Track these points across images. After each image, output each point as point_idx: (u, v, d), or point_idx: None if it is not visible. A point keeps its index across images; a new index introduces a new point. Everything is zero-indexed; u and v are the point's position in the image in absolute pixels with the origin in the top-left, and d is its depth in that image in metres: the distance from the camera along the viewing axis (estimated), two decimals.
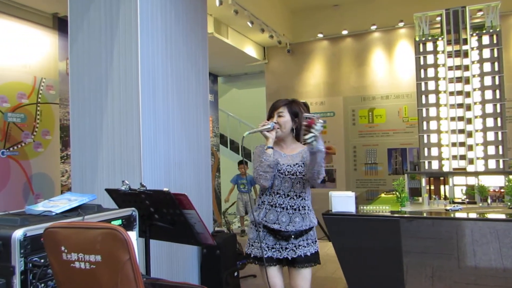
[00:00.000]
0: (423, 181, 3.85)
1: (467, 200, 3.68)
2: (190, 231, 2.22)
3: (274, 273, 2.58)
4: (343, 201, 3.28)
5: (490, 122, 3.74)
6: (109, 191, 2.33)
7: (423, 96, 3.96)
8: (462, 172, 3.78)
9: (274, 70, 7.89)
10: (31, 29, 5.03)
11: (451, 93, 3.86)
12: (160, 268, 3.32)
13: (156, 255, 3.22)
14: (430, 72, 3.96)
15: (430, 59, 3.98)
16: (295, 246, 2.53)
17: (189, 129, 3.80)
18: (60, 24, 5.29)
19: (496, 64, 3.76)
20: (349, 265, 3.40)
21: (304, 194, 2.58)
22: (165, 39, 3.51)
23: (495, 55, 3.76)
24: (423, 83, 3.97)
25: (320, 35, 7.35)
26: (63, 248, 1.35)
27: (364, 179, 7.16)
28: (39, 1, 4.91)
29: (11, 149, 4.70)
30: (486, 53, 3.80)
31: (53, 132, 5.23)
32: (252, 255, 2.62)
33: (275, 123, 2.59)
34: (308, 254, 2.54)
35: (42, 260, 1.57)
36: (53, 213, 1.84)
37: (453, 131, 3.83)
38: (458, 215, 3.20)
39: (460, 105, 3.83)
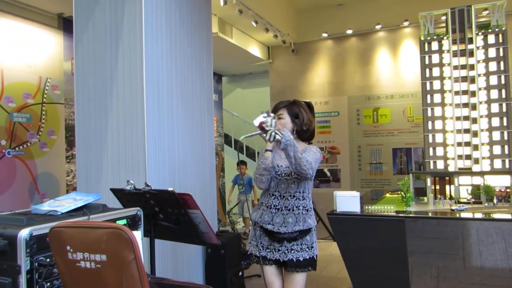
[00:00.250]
0: (428, 181, 3.84)
1: (473, 200, 3.66)
2: (195, 231, 2.22)
3: (271, 272, 2.59)
4: (348, 201, 3.28)
5: (495, 121, 3.72)
6: (114, 191, 2.33)
7: (428, 96, 3.95)
8: (467, 172, 3.76)
9: (278, 69, 7.88)
10: (37, 29, 5.05)
11: (457, 93, 3.85)
12: (165, 267, 3.33)
13: (161, 255, 3.23)
14: (435, 71, 3.95)
15: (435, 58, 3.96)
16: (287, 249, 2.52)
17: (194, 129, 3.80)
18: (65, 24, 5.31)
19: (501, 63, 3.74)
20: (354, 265, 3.39)
21: (298, 194, 2.56)
22: (169, 40, 3.51)
23: (501, 54, 3.74)
24: (428, 83, 3.96)
25: (325, 35, 7.34)
26: (68, 248, 1.36)
27: (369, 179, 7.14)
28: (44, 1, 4.93)
29: (16, 148, 4.72)
30: (492, 52, 3.78)
31: (58, 132, 5.25)
32: (248, 252, 2.67)
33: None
34: (301, 259, 2.51)
35: (48, 260, 1.58)
36: (59, 213, 1.85)
37: (459, 131, 3.81)
38: (464, 215, 3.18)
39: (465, 105, 3.82)
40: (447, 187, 3.82)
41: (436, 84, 3.93)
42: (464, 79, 3.84)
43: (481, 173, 3.69)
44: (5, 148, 4.60)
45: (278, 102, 2.71)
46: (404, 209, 3.43)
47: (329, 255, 5.70)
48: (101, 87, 3.37)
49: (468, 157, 3.79)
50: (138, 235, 2.03)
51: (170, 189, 2.11)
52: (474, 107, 3.79)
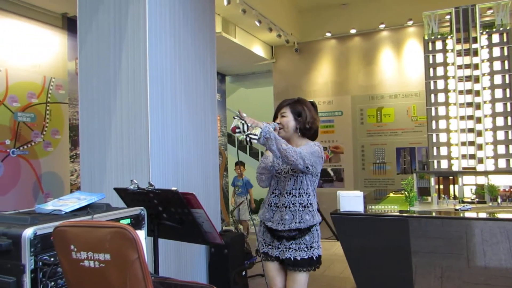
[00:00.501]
0: (432, 180, 3.83)
1: (477, 199, 3.65)
2: (198, 230, 2.23)
3: (272, 268, 2.60)
4: (351, 200, 3.27)
5: (500, 121, 3.71)
6: (118, 190, 2.34)
7: (432, 95, 3.94)
8: (471, 171, 3.75)
9: (282, 69, 7.88)
10: (41, 29, 5.07)
11: (461, 92, 3.83)
12: (168, 267, 3.33)
13: (165, 254, 3.23)
14: (439, 70, 3.94)
15: (439, 57, 3.95)
16: (285, 248, 2.52)
17: (197, 128, 3.81)
18: (69, 24, 5.33)
19: (506, 62, 3.73)
20: (357, 265, 3.39)
21: (295, 191, 2.53)
22: (173, 39, 3.52)
23: (505, 53, 3.73)
24: (432, 82, 3.95)
25: (328, 34, 7.33)
26: (72, 247, 1.36)
27: (372, 178, 7.13)
28: (49, 1, 4.95)
29: (21, 148, 4.74)
30: (496, 51, 3.77)
31: (62, 131, 5.27)
32: (256, 248, 2.70)
33: (278, 123, 2.59)
34: (298, 258, 2.49)
35: (52, 259, 1.58)
36: (63, 212, 1.85)
37: (463, 130, 3.80)
38: (468, 214, 3.17)
39: (469, 104, 3.80)
40: (451, 186, 3.81)
41: (440, 84, 3.92)
42: (468, 78, 3.82)
43: (485, 173, 3.68)
44: (9, 147, 4.62)
45: (283, 100, 2.70)
46: (408, 209, 3.42)
47: (332, 254, 5.70)
48: (105, 86, 3.38)
49: (472, 156, 3.77)
50: (141, 234, 2.04)
51: (173, 188, 2.11)
52: (478, 106, 3.78)
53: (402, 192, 3.94)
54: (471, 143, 3.78)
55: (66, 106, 5.33)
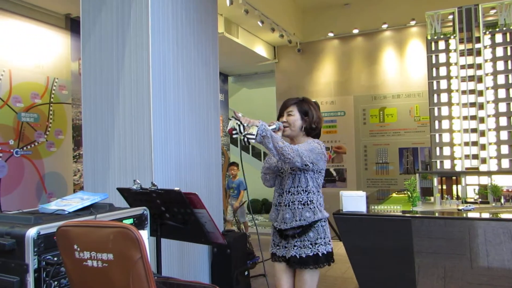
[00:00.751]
0: (435, 180, 3.82)
1: (480, 200, 3.64)
2: (201, 230, 2.23)
3: (279, 268, 2.59)
4: (354, 200, 3.27)
5: (503, 121, 3.70)
6: (121, 190, 2.34)
7: (435, 95, 3.93)
8: (474, 171, 3.74)
9: (284, 69, 7.87)
10: (44, 30, 5.09)
11: (464, 92, 3.82)
12: (171, 267, 3.34)
13: (167, 254, 3.24)
14: (442, 70, 3.93)
15: (442, 57, 3.94)
16: (291, 246, 2.52)
17: (200, 129, 3.81)
18: (72, 25, 5.35)
19: (509, 62, 3.71)
20: (360, 265, 3.39)
21: (293, 189, 2.52)
22: (176, 40, 3.52)
23: (508, 53, 3.72)
24: (435, 82, 3.94)
25: (331, 34, 7.32)
26: (75, 247, 1.36)
27: (375, 178, 7.12)
28: (52, 2, 4.96)
29: (24, 148, 4.76)
30: (499, 51, 3.75)
31: (65, 131, 5.28)
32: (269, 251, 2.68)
33: (283, 122, 2.58)
34: (303, 255, 2.46)
35: (55, 258, 1.59)
36: (66, 212, 1.86)
37: (466, 130, 3.79)
38: (471, 215, 3.16)
39: (472, 104, 3.79)
40: (454, 187, 3.80)
41: (443, 84, 3.91)
42: (471, 78, 3.81)
43: (488, 173, 3.67)
44: (13, 147, 4.64)
45: (287, 99, 2.68)
46: (411, 209, 3.42)
47: (335, 254, 5.68)
48: (108, 87, 3.39)
49: (475, 156, 3.76)
50: (144, 234, 2.04)
51: (176, 188, 2.11)
52: (481, 106, 3.77)
53: (405, 192, 3.93)
54: (474, 143, 3.77)
55: (69, 106, 5.35)
